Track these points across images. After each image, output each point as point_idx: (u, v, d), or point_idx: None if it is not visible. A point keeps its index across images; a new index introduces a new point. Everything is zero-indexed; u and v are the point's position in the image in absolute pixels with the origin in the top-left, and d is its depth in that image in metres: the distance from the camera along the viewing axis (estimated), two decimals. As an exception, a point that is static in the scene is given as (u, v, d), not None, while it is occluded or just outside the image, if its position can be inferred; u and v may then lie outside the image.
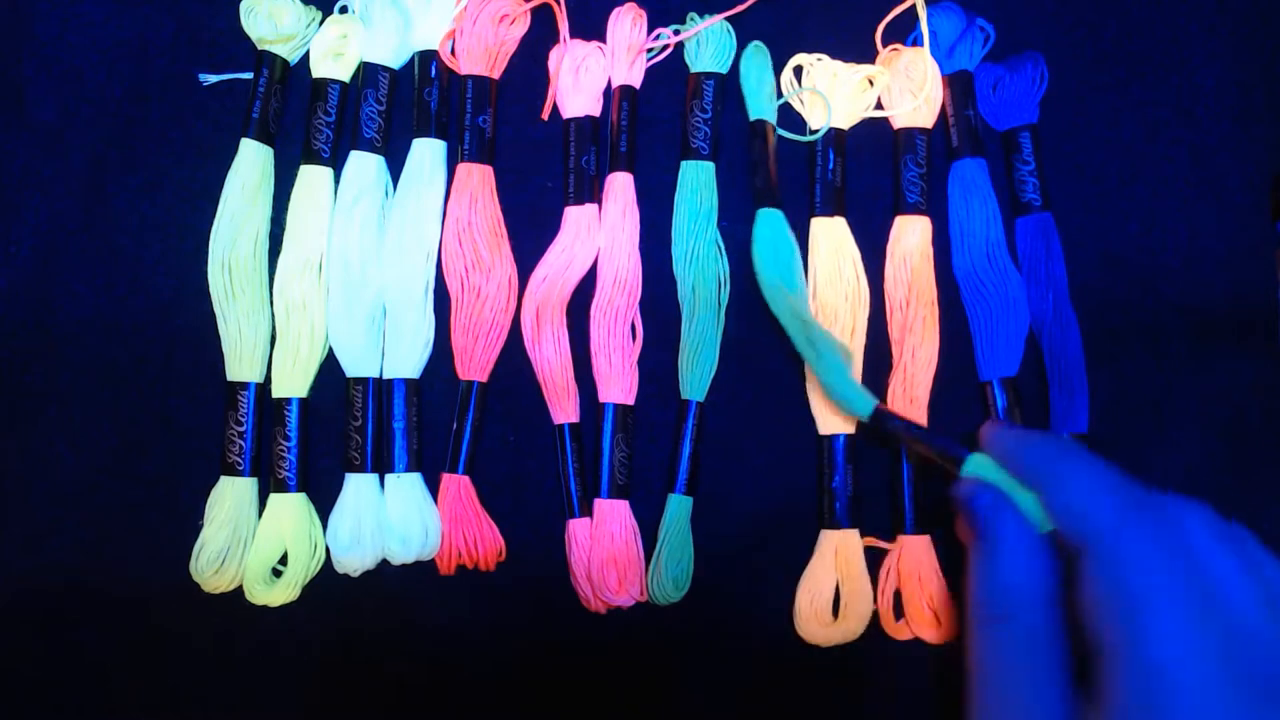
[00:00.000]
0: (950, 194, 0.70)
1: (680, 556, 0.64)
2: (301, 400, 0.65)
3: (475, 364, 0.66)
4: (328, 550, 0.64)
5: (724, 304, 0.67)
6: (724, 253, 0.68)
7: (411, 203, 0.67)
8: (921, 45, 0.70)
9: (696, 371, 0.66)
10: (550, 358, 0.66)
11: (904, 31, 0.72)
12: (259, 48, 0.69)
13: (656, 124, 0.70)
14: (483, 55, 0.69)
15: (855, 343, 0.67)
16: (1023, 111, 0.70)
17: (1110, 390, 0.69)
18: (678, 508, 0.65)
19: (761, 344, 0.67)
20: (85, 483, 0.65)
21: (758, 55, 0.70)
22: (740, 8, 0.70)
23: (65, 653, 0.64)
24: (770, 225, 0.65)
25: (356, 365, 0.65)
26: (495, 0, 0.69)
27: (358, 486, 0.64)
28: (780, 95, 0.70)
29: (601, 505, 0.64)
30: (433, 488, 0.65)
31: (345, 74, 0.68)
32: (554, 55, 0.69)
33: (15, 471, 0.65)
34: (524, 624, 0.65)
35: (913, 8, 0.71)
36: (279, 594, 0.63)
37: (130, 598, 0.64)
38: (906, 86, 0.70)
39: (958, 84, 0.70)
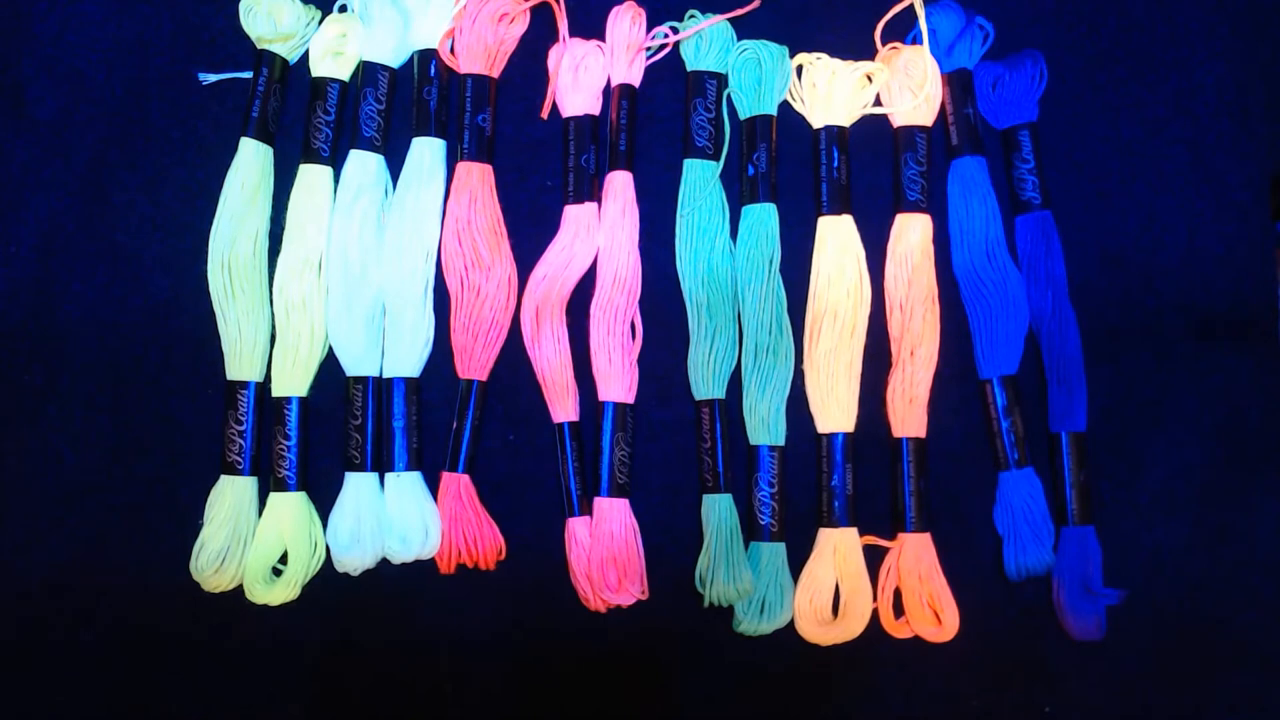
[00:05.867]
0: (950, 192, 0.70)
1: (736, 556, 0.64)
2: (301, 399, 0.65)
3: (475, 363, 0.66)
4: (328, 549, 0.64)
5: (735, 300, 0.67)
6: (733, 250, 0.68)
7: (411, 202, 0.67)
8: (921, 43, 0.70)
9: (714, 368, 0.66)
10: (550, 356, 0.66)
11: (904, 30, 0.72)
12: (258, 47, 0.69)
13: (655, 122, 0.70)
14: (482, 54, 0.69)
15: (856, 341, 0.67)
16: (1022, 110, 0.70)
17: (1110, 388, 0.69)
18: (724, 507, 0.65)
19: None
20: (85, 482, 0.65)
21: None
22: (740, 11, 0.70)
23: (65, 653, 0.64)
24: None
25: (356, 364, 0.65)
26: (494, -1, 0.69)
27: (358, 485, 0.64)
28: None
29: (601, 504, 0.64)
30: (432, 487, 0.65)
31: (345, 73, 0.68)
32: (553, 54, 0.70)
33: (15, 471, 0.65)
34: (524, 623, 0.65)
35: (912, 6, 0.71)
36: (279, 593, 0.63)
37: (130, 598, 0.64)
38: (906, 84, 0.70)
39: (957, 82, 0.70)
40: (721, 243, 0.67)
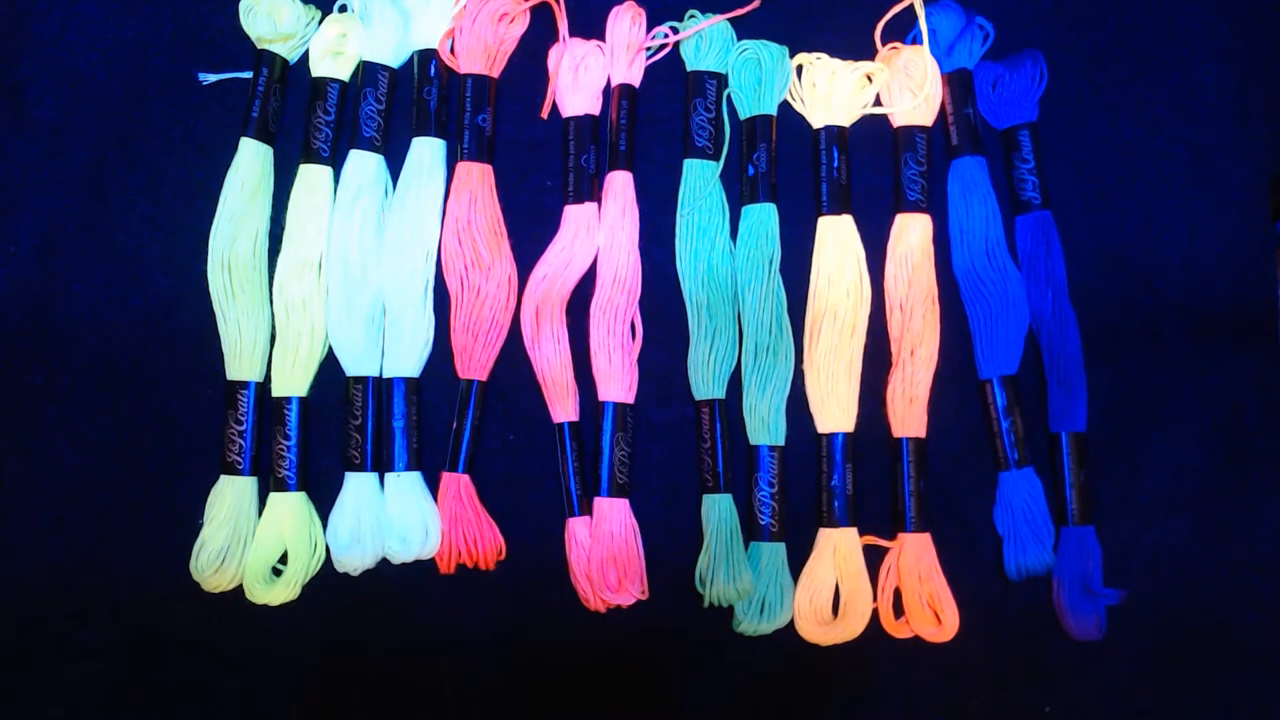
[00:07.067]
0: (950, 192, 0.70)
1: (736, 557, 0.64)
2: (301, 399, 0.65)
3: (475, 363, 0.66)
4: (328, 549, 0.64)
5: (735, 300, 0.67)
6: (733, 250, 0.68)
7: (411, 202, 0.67)
8: (921, 43, 0.70)
9: (714, 368, 0.66)
10: (550, 356, 0.66)
11: (904, 30, 0.72)
12: (258, 47, 0.69)
13: (655, 122, 0.70)
14: (482, 54, 0.69)
15: (856, 341, 0.67)
16: (1022, 110, 0.70)
17: (1110, 388, 0.69)
18: (724, 507, 0.65)
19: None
20: (85, 482, 0.65)
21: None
22: (740, 11, 0.70)
23: (65, 653, 0.64)
24: None
25: (356, 364, 0.65)
26: (494, -1, 0.69)
27: (358, 485, 0.64)
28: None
29: (601, 504, 0.64)
30: (432, 487, 0.65)
31: (345, 73, 0.68)
32: (553, 54, 0.70)
33: (15, 471, 0.65)
34: (524, 623, 0.65)
35: (912, 6, 0.71)
36: (279, 593, 0.63)
37: (130, 598, 0.64)
38: (906, 84, 0.70)
39: (957, 82, 0.70)
40: (721, 243, 0.67)
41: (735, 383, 0.67)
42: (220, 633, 0.64)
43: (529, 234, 0.68)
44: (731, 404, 0.66)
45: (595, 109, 0.69)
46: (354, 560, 0.63)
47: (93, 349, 0.67)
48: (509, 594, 0.65)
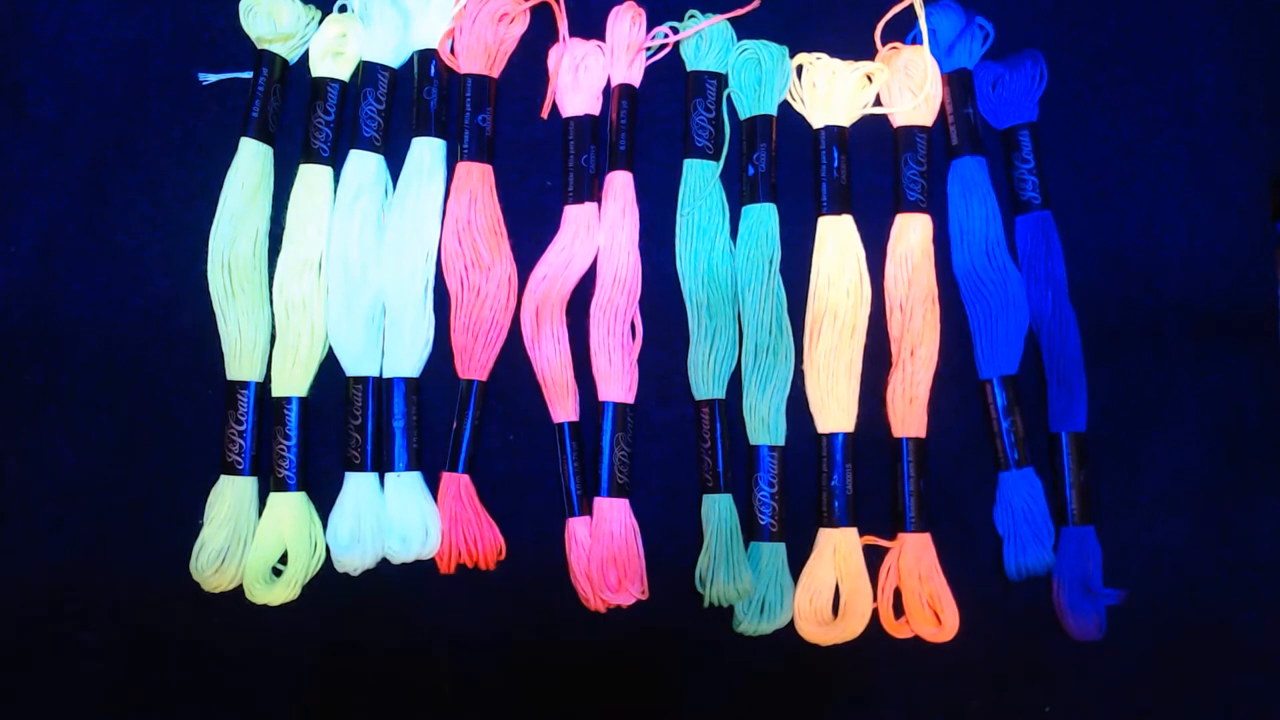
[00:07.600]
0: (950, 192, 0.70)
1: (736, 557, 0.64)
2: (301, 399, 0.65)
3: (475, 363, 0.66)
4: (328, 549, 0.64)
5: (735, 300, 0.67)
6: (733, 250, 0.68)
7: (411, 202, 0.67)
8: (921, 43, 0.70)
9: (714, 368, 0.66)
10: (550, 356, 0.66)
11: (904, 30, 0.72)
12: (258, 47, 0.69)
13: (655, 122, 0.70)
14: (482, 54, 0.69)
15: (856, 341, 0.67)
16: (1022, 110, 0.70)
17: (1110, 388, 0.69)
18: (724, 507, 0.65)
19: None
20: (85, 482, 0.65)
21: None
22: (740, 11, 0.70)
23: (65, 653, 0.64)
24: None
25: (356, 364, 0.65)
26: (494, -1, 0.69)
27: (358, 485, 0.64)
28: None
29: (601, 504, 0.64)
30: (432, 487, 0.65)
31: (345, 73, 0.68)
32: (553, 54, 0.70)
33: (15, 471, 0.65)
34: (524, 623, 0.65)
35: (912, 6, 0.71)
36: (279, 593, 0.63)
37: (130, 598, 0.64)
38: (906, 84, 0.70)
39: (957, 82, 0.70)
40: (721, 243, 0.67)
41: (735, 383, 0.67)
42: (220, 633, 0.64)
43: (529, 234, 0.68)
44: (731, 404, 0.66)
45: (595, 109, 0.69)
46: (354, 560, 0.63)
47: (93, 349, 0.67)
48: (509, 594, 0.65)
